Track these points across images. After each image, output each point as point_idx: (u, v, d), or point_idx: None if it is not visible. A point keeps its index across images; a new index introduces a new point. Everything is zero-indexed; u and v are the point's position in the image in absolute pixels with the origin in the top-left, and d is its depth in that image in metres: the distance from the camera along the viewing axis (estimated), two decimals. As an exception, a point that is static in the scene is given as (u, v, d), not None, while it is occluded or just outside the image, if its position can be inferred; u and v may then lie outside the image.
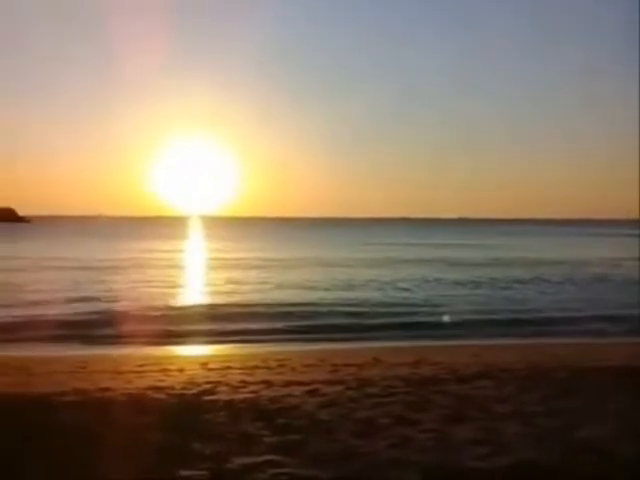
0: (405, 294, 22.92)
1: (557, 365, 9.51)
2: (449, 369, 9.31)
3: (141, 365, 10.42)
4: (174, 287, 25.50)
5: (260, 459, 5.13)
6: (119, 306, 19.25)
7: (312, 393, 7.66)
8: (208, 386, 8.27)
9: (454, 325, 16.54)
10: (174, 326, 16.17)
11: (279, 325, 16.36)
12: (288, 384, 8.34)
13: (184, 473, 4.87)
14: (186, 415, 6.63)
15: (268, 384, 8.36)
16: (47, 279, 26.59)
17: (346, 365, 9.97)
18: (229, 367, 10.09)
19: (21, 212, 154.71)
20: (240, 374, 9.35)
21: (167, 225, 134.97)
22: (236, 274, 30.01)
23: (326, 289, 24.02)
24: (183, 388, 8.18)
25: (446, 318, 18.60)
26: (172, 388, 8.16)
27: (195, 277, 31.64)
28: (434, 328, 16.26)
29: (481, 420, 6.27)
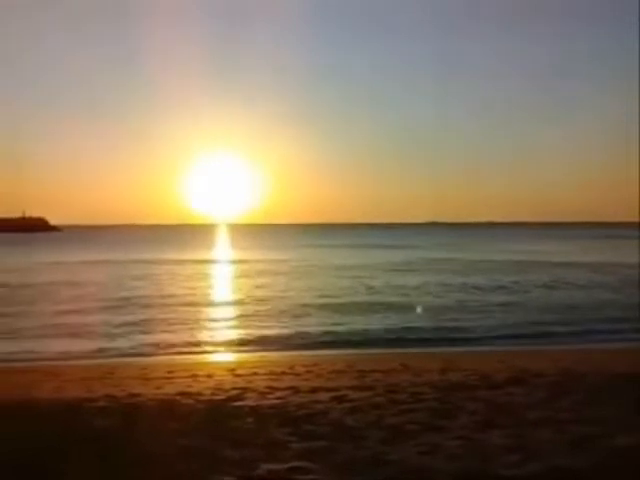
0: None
1: (588, 370, 9.31)
2: (478, 375, 9.18)
3: (170, 371, 10.52)
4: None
5: (288, 465, 5.12)
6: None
7: (339, 399, 7.63)
8: (236, 392, 8.31)
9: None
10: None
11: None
12: (315, 390, 8.32)
13: (213, 478, 4.89)
14: (215, 421, 6.66)
15: (295, 390, 8.36)
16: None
17: (373, 371, 9.90)
18: (256, 373, 10.13)
19: (52, 221, 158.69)
20: (267, 380, 9.37)
21: (202, 232, 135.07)
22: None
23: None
24: (212, 394, 8.22)
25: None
26: (201, 394, 8.21)
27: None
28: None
29: (512, 427, 6.16)
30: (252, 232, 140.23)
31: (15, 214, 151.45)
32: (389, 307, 20.62)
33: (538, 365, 10.09)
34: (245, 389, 8.53)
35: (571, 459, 5.20)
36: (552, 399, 7.39)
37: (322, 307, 20.93)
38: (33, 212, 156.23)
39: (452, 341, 15.02)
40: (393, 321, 17.83)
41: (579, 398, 7.39)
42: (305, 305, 21.40)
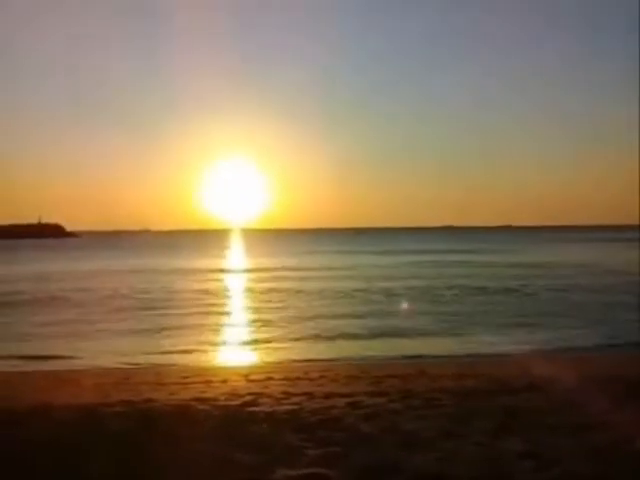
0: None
1: (608, 376, 9.19)
2: (495, 381, 9.11)
3: (185, 377, 10.56)
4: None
5: (304, 471, 5.10)
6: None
7: (354, 405, 7.60)
8: (251, 397, 8.31)
9: None
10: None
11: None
12: (330, 396, 8.30)
13: (229, 484, 4.88)
14: (230, 426, 6.66)
15: (310, 396, 8.35)
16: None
17: (388, 377, 9.87)
18: (271, 378, 10.13)
19: (67, 228, 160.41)
20: (282, 385, 9.38)
21: (222, 239, 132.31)
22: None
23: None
24: (226, 399, 8.24)
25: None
26: (216, 399, 8.23)
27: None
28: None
29: (529, 433, 6.09)
30: (274, 238, 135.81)
31: (31, 220, 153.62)
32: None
33: (556, 371, 9.99)
34: (260, 394, 8.54)
35: (588, 466, 5.13)
36: (570, 405, 7.30)
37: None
38: (49, 218, 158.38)
39: None
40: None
41: (598, 405, 7.29)
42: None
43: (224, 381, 10.01)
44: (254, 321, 19.86)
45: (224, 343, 16.84)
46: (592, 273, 34.75)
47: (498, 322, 18.93)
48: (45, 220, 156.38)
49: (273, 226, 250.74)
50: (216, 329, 18.51)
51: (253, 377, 10.38)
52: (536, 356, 13.11)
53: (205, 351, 15.11)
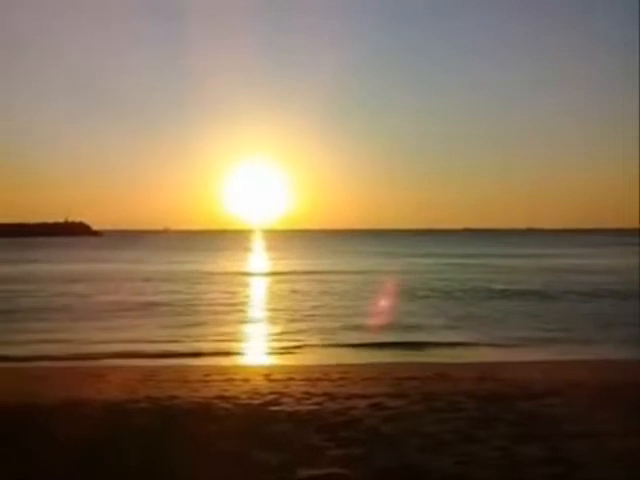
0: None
1: (629, 383, 9.09)
2: (516, 385, 9.06)
3: (207, 375, 10.70)
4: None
5: (325, 471, 5.16)
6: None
7: (375, 406, 7.64)
8: (272, 397, 8.40)
9: None
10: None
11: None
12: (351, 397, 8.34)
13: (251, 482, 4.96)
14: (252, 425, 6.75)
15: (331, 396, 8.40)
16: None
17: (409, 379, 9.88)
18: (292, 378, 10.20)
19: (92, 226, 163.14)
20: (303, 386, 9.44)
21: (250, 239, 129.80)
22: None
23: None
24: (248, 398, 8.33)
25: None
26: (238, 398, 8.33)
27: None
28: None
29: (550, 438, 6.07)
30: (299, 238, 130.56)
31: (58, 219, 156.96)
32: None
33: (577, 376, 9.89)
34: (282, 394, 8.62)
35: (609, 473, 5.10)
36: (591, 411, 7.25)
37: None
38: (75, 217, 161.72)
39: None
40: None
41: (619, 411, 7.23)
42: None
43: (246, 380, 10.11)
44: (278, 324, 19.90)
45: (246, 346, 16.93)
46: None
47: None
48: (71, 219, 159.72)
49: (294, 227, 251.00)
50: (237, 333, 18.59)
51: (274, 377, 10.46)
52: (560, 362, 12.97)
53: (226, 353, 15.21)
